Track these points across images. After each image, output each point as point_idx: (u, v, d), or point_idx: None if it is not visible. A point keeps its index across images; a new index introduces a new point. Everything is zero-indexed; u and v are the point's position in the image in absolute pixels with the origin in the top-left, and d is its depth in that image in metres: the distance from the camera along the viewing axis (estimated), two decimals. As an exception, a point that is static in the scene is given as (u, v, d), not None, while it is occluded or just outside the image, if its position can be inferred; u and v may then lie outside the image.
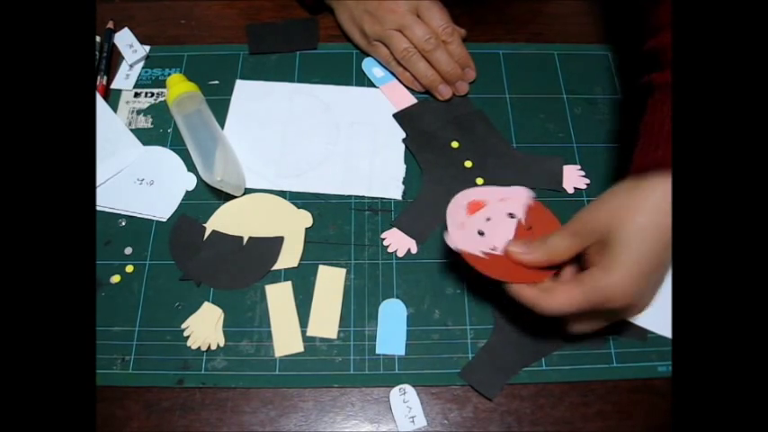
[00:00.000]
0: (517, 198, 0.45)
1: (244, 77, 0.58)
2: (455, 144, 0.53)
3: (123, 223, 0.50)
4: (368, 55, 0.58)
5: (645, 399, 0.44)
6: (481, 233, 0.43)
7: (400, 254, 0.48)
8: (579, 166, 0.52)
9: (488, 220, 0.44)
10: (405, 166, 0.53)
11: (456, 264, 0.47)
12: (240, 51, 0.59)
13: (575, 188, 0.51)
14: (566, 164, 0.52)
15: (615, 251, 0.37)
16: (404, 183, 0.52)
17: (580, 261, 0.41)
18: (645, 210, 0.37)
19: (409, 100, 0.56)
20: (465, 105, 0.55)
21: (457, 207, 0.44)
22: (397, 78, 0.57)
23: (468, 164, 0.52)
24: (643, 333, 0.46)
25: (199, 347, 0.45)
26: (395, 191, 0.52)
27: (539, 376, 0.44)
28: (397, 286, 0.48)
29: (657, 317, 0.46)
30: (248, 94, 0.57)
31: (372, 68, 0.58)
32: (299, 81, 0.57)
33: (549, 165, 0.52)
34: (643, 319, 0.46)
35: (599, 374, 0.44)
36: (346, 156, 0.53)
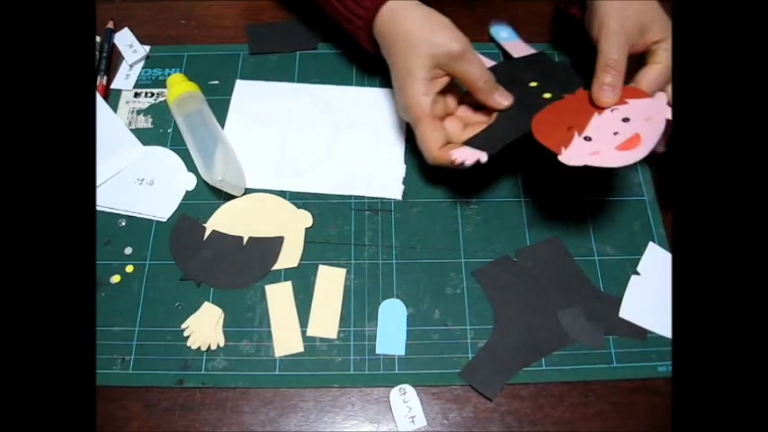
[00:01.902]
0: (641, 110, 0.44)
1: (244, 77, 0.58)
2: (533, 84, 0.51)
3: (123, 223, 0.50)
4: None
5: (645, 399, 0.44)
6: (588, 138, 0.43)
7: (469, 162, 0.44)
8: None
9: (626, 120, 0.44)
10: (405, 166, 0.53)
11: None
12: (240, 51, 0.59)
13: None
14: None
15: (664, 24, 0.46)
16: (404, 183, 0.52)
17: None
18: None
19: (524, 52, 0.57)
20: (546, 60, 0.54)
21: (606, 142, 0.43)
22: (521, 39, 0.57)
23: (546, 95, 0.49)
24: (643, 333, 0.46)
25: (199, 347, 0.45)
26: (395, 191, 0.52)
27: (539, 376, 0.44)
28: (397, 286, 0.48)
29: (657, 317, 0.46)
30: (248, 94, 0.57)
31: (500, 31, 0.60)
32: (299, 81, 0.57)
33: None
34: (643, 319, 0.46)
35: (599, 374, 0.44)
36: (346, 156, 0.53)
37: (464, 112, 0.50)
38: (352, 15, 0.49)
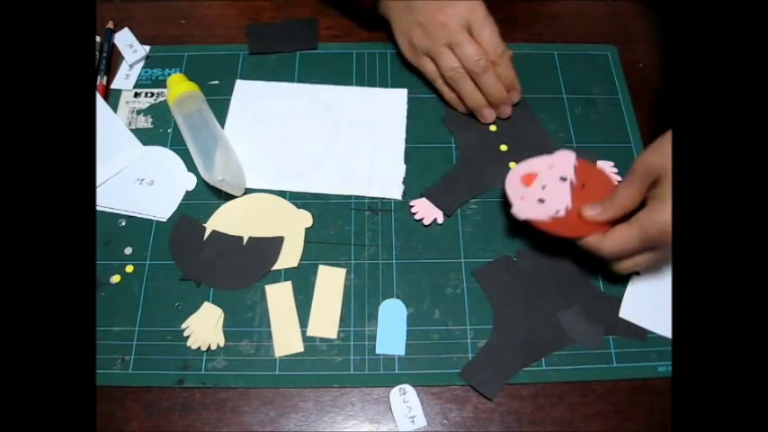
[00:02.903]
0: (564, 161, 0.48)
1: (244, 77, 0.58)
2: (493, 128, 0.54)
3: (123, 223, 0.50)
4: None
5: (645, 399, 0.44)
6: (541, 201, 0.46)
7: (427, 222, 0.50)
8: (612, 163, 0.53)
9: (544, 187, 0.47)
10: (405, 167, 0.53)
11: (517, 228, 0.50)
12: (240, 51, 0.59)
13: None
14: (599, 159, 0.53)
15: (665, 187, 0.40)
16: (404, 183, 0.52)
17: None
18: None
19: None
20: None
21: (514, 182, 0.48)
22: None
23: (503, 147, 0.53)
24: (643, 333, 0.46)
25: (199, 347, 0.45)
26: (395, 191, 0.52)
27: (539, 376, 0.44)
28: (397, 286, 0.48)
29: (657, 317, 0.46)
30: (248, 94, 0.57)
31: None
32: (299, 81, 0.57)
33: (583, 158, 0.51)
34: (643, 319, 0.46)
35: (599, 374, 0.44)
36: (346, 156, 0.53)
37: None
38: None
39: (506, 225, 0.50)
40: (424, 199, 0.51)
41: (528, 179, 0.48)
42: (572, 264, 0.48)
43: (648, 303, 0.47)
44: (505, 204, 0.48)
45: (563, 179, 0.47)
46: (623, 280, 0.48)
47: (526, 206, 0.46)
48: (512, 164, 0.52)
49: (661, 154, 0.41)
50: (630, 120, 0.56)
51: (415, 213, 0.50)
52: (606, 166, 0.52)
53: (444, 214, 0.50)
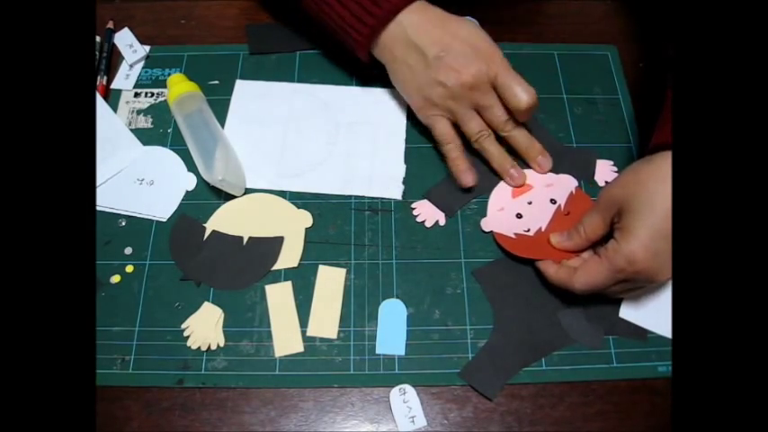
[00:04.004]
0: (563, 185, 0.49)
1: (244, 77, 0.58)
2: None
3: (123, 223, 0.50)
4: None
5: (645, 399, 0.44)
6: (519, 216, 0.47)
7: (428, 224, 0.50)
8: (612, 162, 0.53)
9: (530, 203, 0.48)
10: (405, 166, 0.53)
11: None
12: (240, 51, 0.59)
13: (606, 181, 0.51)
14: (599, 158, 0.53)
15: (630, 217, 0.40)
16: (404, 183, 0.52)
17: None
18: (657, 178, 0.40)
19: None
20: None
21: (502, 190, 0.49)
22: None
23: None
24: (643, 333, 0.46)
25: (199, 347, 0.45)
26: (395, 191, 0.52)
27: (539, 376, 0.44)
28: (397, 286, 0.48)
29: (657, 317, 0.46)
30: (248, 94, 0.57)
31: None
32: (299, 81, 0.57)
33: (583, 156, 0.53)
34: (643, 319, 0.46)
35: (599, 374, 0.44)
36: (346, 156, 0.53)
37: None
38: (353, 32, 0.49)
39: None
40: (425, 201, 0.51)
41: (519, 190, 0.49)
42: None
43: (648, 303, 0.47)
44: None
45: (552, 202, 0.49)
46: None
47: (500, 217, 0.48)
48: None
49: (622, 186, 0.42)
50: (630, 120, 0.56)
51: (417, 215, 0.50)
52: (606, 166, 0.52)
53: (446, 216, 0.50)
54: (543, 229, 0.48)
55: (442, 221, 0.50)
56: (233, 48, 0.59)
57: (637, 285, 0.43)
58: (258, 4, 0.62)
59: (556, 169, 0.51)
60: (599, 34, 0.61)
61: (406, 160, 0.53)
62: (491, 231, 0.48)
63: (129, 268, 0.48)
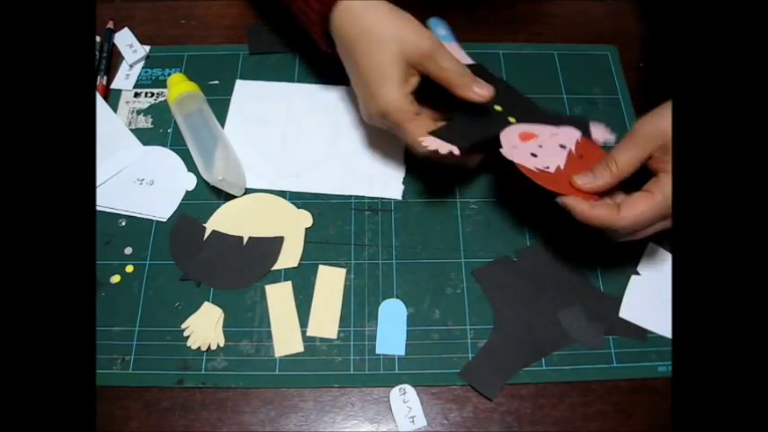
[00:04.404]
0: (568, 135, 0.47)
1: (244, 77, 0.58)
2: (499, 108, 0.50)
3: (123, 223, 0.50)
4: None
5: (645, 399, 0.44)
6: (534, 155, 0.44)
7: (443, 151, 0.43)
8: (605, 124, 0.51)
9: (540, 147, 0.45)
10: (405, 166, 0.53)
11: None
12: (240, 51, 0.59)
13: (603, 142, 0.50)
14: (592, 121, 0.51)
15: None
16: (404, 183, 0.52)
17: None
18: None
19: (465, 60, 0.55)
20: (485, 73, 0.53)
21: (510, 133, 0.46)
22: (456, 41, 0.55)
23: (498, 107, 0.49)
24: (643, 333, 0.46)
25: (199, 347, 0.45)
26: (395, 191, 0.52)
27: (539, 376, 0.44)
28: (397, 286, 0.48)
29: (657, 317, 0.46)
30: (248, 94, 0.57)
31: (437, 27, 0.58)
32: (299, 81, 0.57)
33: (576, 121, 0.51)
34: (643, 319, 0.46)
35: (599, 374, 0.44)
36: (346, 156, 0.53)
37: (427, 116, 0.47)
38: (307, 8, 0.45)
39: (507, 224, 0.50)
40: (433, 137, 0.45)
41: (526, 136, 0.46)
42: (572, 264, 0.48)
43: (648, 303, 0.47)
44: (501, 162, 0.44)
45: (562, 146, 0.46)
46: (623, 280, 0.48)
47: (516, 153, 0.44)
48: (512, 118, 0.48)
49: (669, 119, 0.39)
50: (630, 120, 0.56)
51: (427, 145, 0.44)
52: (600, 128, 0.51)
53: (459, 148, 0.44)
54: (561, 168, 0.44)
55: (456, 151, 0.43)
56: (233, 48, 0.59)
57: (666, 227, 0.42)
58: (258, 4, 0.62)
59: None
60: (599, 34, 0.61)
61: (406, 160, 0.53)
62: (512, 162, 0.43)
63: (129, 268, 0.48)
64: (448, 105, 0.47)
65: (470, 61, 0.55)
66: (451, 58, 0.45)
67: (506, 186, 0.52)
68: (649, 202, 0.40)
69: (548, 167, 0.44)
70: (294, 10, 0.48)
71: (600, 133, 0.51)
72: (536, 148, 0.45)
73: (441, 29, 0.59)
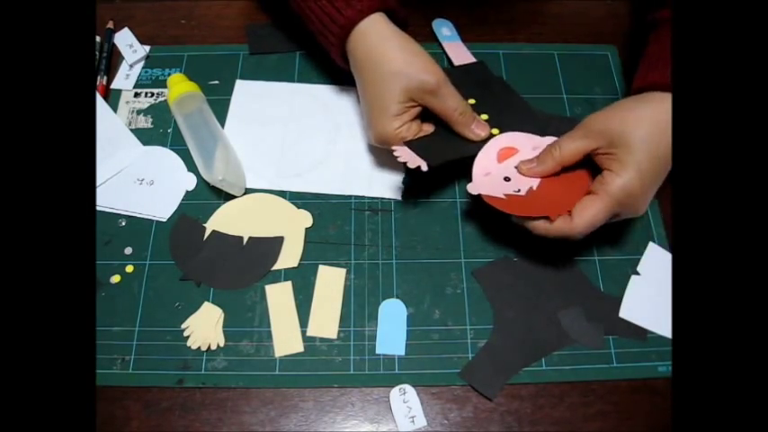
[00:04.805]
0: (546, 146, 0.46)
1: (244, 77, 0.58)
2: (471, 101, 0.51)
3: (123, 223, 0.50)
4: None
5: (645, 399, 0.44)
6: (507, 179, 0.45)
7: (411, 165, 0.45)
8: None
9: (517, 167, 0.46)
10: (405, 166, 0.53)
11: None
12: (240, 51, 0.59)
13: None
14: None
15: (626, 151, 0.41)
16: (404, 183, 0.52)
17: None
18: (653, 121, 0.41)
19: (468, 59, 0.56)
20: (485, 71, 0.55)
21: (487, 155, 0.47)
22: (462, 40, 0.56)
23: (484, 116, 0.50)
24: (643, 333, 0.46)
25: (199, 347, 0.45)
26: (395, 191, 0.52)
27: (539, 376, 0.44)
28: (397, 286, 0.48)
29: (657, 317, 0.46)
30: (248, 94, 0.57)
31: (442, 27, 0.59)
32: (299, 81, 0.57)
33: (567, 124, 0.49)
34: (643, 319, 0.46)
35: (599, 374, 0.44)
36: (346, 156, 0.53)
37: (428, 127, 0.49)
38: (327, 30, 0.47)
39: (507, 224, 0.50)
40: (405, 147, 0.46)
41: (505, 154, 0.46)
42: (572, 264, 0.48)
43: (648, 303, 0.47)
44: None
45: None
46: (623, 280, 0.48)
47: (487, 182, 0.45)
48: (495, 130, 0.49)
49: (620, 121, 0.42)
50: (630, 120, 0.55)
51: (398, 156, 0.45)
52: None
53: (428, 164, 0.45)
54: (534, 189, 0.45)
55: (424, 167, 0.45)
56: (233, 48, 0.59)
57: (620, 218, 0.44)
58: (258, 5, 0.62)
59: (542, 134, 0.49)
60: (599, 34, 0.61)
61: (406, 160, 0.53)
62: (479, 195, 0.44)
63: (129, 268, 0.48)
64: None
65: (473, 59, 0.55)
66: (454, 95, 0.46)
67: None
68: (597, 205, 0.41)
69: (519, 191, 0.45)
70: (313, 30, 0.50)
71: None
72: (512, 169, 0.46)
73: (446, 29, 0.59)
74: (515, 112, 0.51)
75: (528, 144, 0.47)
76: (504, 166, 0.46)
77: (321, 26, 0.48)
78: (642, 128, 0.41)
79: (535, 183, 0.45)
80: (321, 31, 0.48)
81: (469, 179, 0.46)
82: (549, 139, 0.47)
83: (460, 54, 0.57)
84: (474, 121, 0.47)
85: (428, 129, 0.49)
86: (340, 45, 0.47)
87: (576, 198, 0.43)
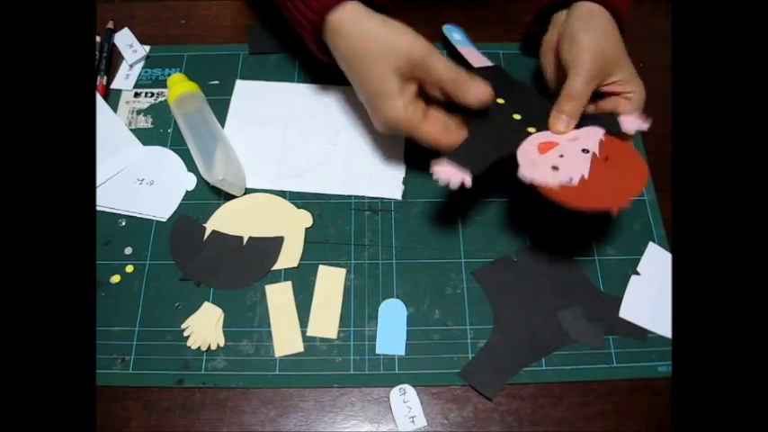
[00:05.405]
0: (590, 136, 0.45)
1: (244, 77, 0.58)
2: (500, 101, 0.49)
3: (123, 223, 0.50)
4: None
5: (645, 399, 0.44)
6: (555, 168, 0.43)
7: (454, 185, 0.42)
8: (638, 108, 0.47)
9: (561, 156, 0.44)
10: (405, 166, 0.53)
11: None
12: (240, 51, 0.59)
13: (636, 130, 0.46)
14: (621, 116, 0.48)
15: (625, 69, 0.47)
16: (404, 183, 0.52)
17: None
18: (612, 33, 0.47)
19: (484, 62, 0.55)
20: (505, 75, 0.53)
21: (528, 147, 0.45)
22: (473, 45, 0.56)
23: (516, 116, 0.48)
24: (643, 333, 0.46)
25: (199, 347, 0.45)
26: (395, 191, 0.52)
27: (539, 376, 0.44)
28: (397, 286, 0.48)
29: (657, 317, 0.46)
30: (248, 94, 0.57)
31: (452, 32, 0.58)
32: (299, 81, 0.57)
33: (603, 119, 0.47)
34: (643, 319, 0.46)
35: (599, 374, 0.44)
36: (346, 156, 0.53)
37: (437, 114, 0.47)
38: (302, 22, 0.47)
39: (507, 224, 0.50)
40: (446, 162, 0.43)
41: (545, 147, 0.44)
42: (572, 264, 0.48)
43: (648, 303, 0.47)
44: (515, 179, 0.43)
45: (585, 151, 0.44)
46: (623, 280, 0.48)
47: (536, 170, 0.42)
48: (531, 129, 0.47)
49: (612, 44, 0.46)
50: (630, 120, 0.55)
51: (439, 178, 0.42)
52: (630, 119, 0.47)
53: (471, 173, 0.42)
54: (586, 177, 0.42)
55: (468, 182, 0.42)
56: (233, 48, 0.59)
57: (609, 81, 0.46)
58: (254, 5, 0.62)
59: (577, 128, 0.47)
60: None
61: (406, 160, 0.53)
62: (532, 183, 0.42)
63: (129, 268, 0.48)
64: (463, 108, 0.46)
65: (488, 63, 0.54)
66: (443, 64, 0.44)
67: (507, 186, 0.52)
68: (572, 83, 0.45)
69: (571, 180, 0.42)
70: (292, 24, 0.49)
71: (630, 124, 0.47)
72: (557, 158, 0.44)
73: (456, 33, 0.59)
74: (547, 111, 0.48)
75: (565, 137, 0.46)
76: (548, 156, 0.44)
77: (297, 18, 0.47)
78: (617, 42, 0.46)
79: (585, 171, 0.43)
80: (298, 23, 0.48)
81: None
82: (589, 129, 0.46)
83: (476, 58, 0.57)
84: (471, 84, 0.44)
85: (435, 113, 0.47)
86: (315, 35, 0.47)
87: (636, 185, 0.43)
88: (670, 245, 0.50)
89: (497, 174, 0.43)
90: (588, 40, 0.45)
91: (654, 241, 0.49)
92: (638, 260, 0.49)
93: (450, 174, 0.42)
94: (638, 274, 0.48)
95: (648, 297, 0.47)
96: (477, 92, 0.45)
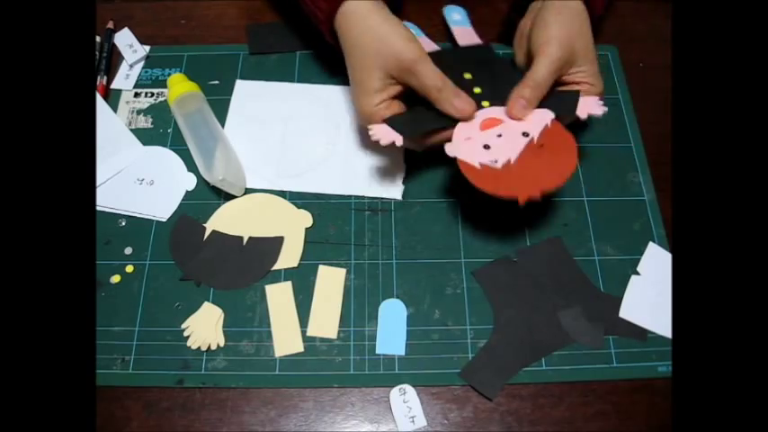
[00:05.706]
0: (538, 119, 0.46)
1: (244, 77, 0.58)
2: (468, 75, 0.50)
3: (123, 223, 0.50)
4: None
5: (645, 399, 0.44)
6: (487, 147, 0.44)
7: (385, 142, 0.45)
8: (598, 97, 0.48)
9: (499, 136, 0.45)
10: (405, 166, 0.53)
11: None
12: (240, 51, 0.59)
13: (588, 114, 0.46)
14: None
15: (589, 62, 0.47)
16: (404, 183, 0.52)
17: None
18: (585, 24, 0.48)
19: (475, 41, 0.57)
20: (490, 52, 0.55)
21: (470, 123, 0.46)
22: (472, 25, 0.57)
23: (476, 90, 0.49)
24: (643, 333, 0.46)
25: (199, 347, 0.45)
26: (395, 191, 0.52)
27: (539, 376, 0.44)
28: (397, 286, 0.48)
29: (657, 317, 0.46)
30: (248, 94, 0.57)
31: (452, 12, 0.59)
32: (299, 81, 0.57)
33: (564, 98, 0.48)
34: (643, 319, 0.46)
35: (599, 374, 0.44)
36: (346, 156, 0.53)
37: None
38: (317, 9, 0.49)
39: (507, 224, 0.50)
40: (383, 125, 0.46)
41: (488, 124, 0.45)
42: (572, 264, 0.48)
43: (648, 303, 0.47)
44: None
45: (525, 134, 0.45)
46: (623, 280, 0.48)
47: (465, 147, 0.44)
48: (485, 102, 0.48)
49: (581, 37, 0.47)
50: (630, 120, 0.56)
51: (372, 135, 0.46)
52: (590, 99, 0.47)
53: (402, 137, 0.45)
54: (513, 161, 0.43)
55: (399, 142, 0.45)
56: (233, 48, 0.59)
57: (572, 71, 0.47)
58: (258, 4, 0.62)
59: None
60: (599, 34, 0.61)
61: (406, 160, 0.53)
62: (455, 158, 0.43)
63: (129, 268, 0.48)
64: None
65: (480, 41, 0.56)
66: (432, 72, 0.45)
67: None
68: (537, 68, 0.45)
69: (496, 161, 0.43)
70: (307, 13, 0.51)
71: (589, 105, 0.46)
72: (494, 138, 0.45)
73: (455, 13, 0.59)
74: (510, 89, 0.48)
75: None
76: (486, 133, 0.45)
77: (311, 8, 0.49)
78: (586, 35, 0.46)
79: (514, 155, 0.43)
80: (312, 11, 0.50)
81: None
82: (537, 111, 0.46)
83: (468, 38, 0.57)
84: (455, 96, 0.46)
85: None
86: (328, 22, 0.48)
87: (555, 179, 0.43)
88: (670, 245, 0.50)
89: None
90: (558, 30, 0.46)
91: (654, 241, 0.49)
92: (638, 260, 0.49)
93: (383, 134, 0.45)
94: (638, 274, 0.48)
95: (648, 297, 0.47)
96: (459, 105, 0.45)
